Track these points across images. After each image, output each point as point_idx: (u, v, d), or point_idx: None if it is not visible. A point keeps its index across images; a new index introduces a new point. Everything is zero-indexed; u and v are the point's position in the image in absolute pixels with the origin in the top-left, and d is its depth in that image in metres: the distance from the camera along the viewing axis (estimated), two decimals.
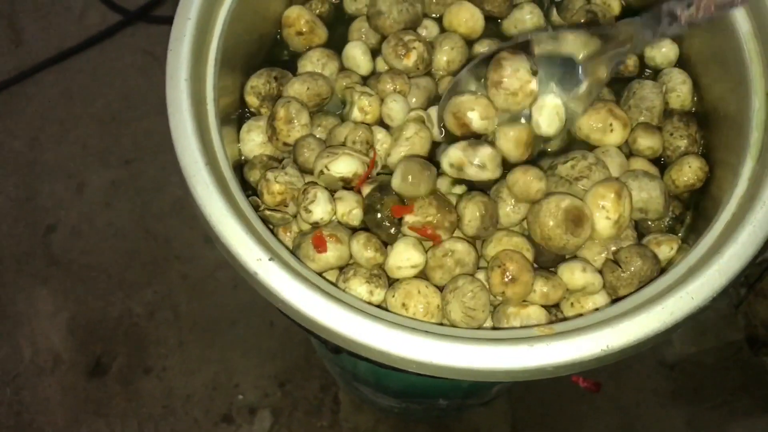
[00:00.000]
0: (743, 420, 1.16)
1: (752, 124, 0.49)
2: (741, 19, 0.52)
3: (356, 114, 0.54)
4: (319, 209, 0.49)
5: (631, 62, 0.58)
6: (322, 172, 0.50)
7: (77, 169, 1.37)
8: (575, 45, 0.51)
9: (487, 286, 0.48)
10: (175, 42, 0.48)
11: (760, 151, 0.48)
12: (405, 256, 0.48)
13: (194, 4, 0.49)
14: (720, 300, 0.43)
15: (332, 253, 0.48)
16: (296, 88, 0.54)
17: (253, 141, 0.54)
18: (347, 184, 0.51)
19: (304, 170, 0.52)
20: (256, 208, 0.50)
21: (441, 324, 0.47)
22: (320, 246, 0.47)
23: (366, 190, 0.51)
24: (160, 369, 1.23)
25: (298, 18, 0.58)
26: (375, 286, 0.47)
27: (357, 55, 0.57)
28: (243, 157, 0.55)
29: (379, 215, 0.48)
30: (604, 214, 0.48)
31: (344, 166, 0.50)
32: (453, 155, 0.51)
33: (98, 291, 1.28)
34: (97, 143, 1.39)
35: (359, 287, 0.47)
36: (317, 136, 0.54)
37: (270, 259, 0.43)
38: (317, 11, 0.60)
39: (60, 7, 1.51)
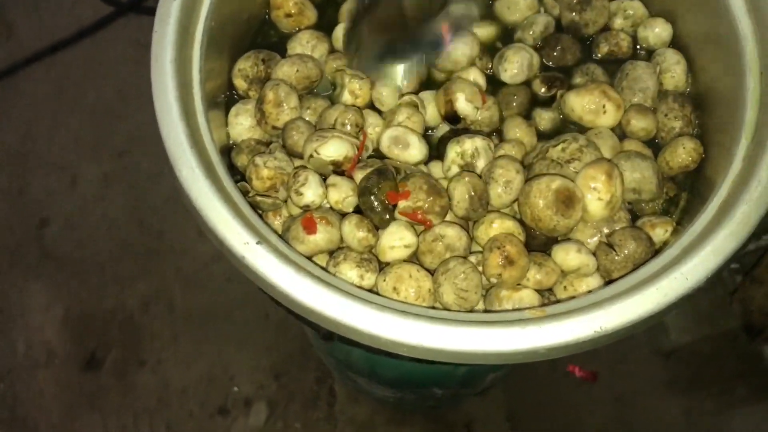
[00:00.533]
0: (740, 408, 1.16)
1: (747, 104, 0.48)
2: None
3: (347, 97, 0.53)
4: (311, 192, 0.48)
5: (625, 43, 0.57)
6: (311, 155, 0.49)
7: (70, 162, 1.36)
8: None
9: (480, 269, 0.48)
10: (160, 24, 0.47)
11: (754, 131, 0.47)
12: (398, 236, 0.47)
13: None
14: (714, 280, 0.42)
15: (322, 236, 0.47)
16: (285, 70, 0.53)
17: (242, 125, 0.53)
18: (337, 168, 0.50)
19: (293, 154, 0.51)
20: (245, 193, 0.49)
21: (433, 308, 0.46)
22: (310, 227, 0.46)
23: (360, 174, 0.50)
24: (154, 362, 1.22)
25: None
26: (365, 270, 0.47)
27: None
28: (231, 141, 0.54)
29: (373, 199, 0.48)
30: (596, 195, 0.47)
31: (334, 149, 0.49)
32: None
33: (92, 284, 1.28)
34: (90, 136, 1.38)
35: (349, 271, 0.46)
36: (306, 119, 0.53)
37: (258, 243, 0.42)
38: None
39: None
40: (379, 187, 0.48)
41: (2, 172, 1.36)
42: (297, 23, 0.58)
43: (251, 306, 1.23)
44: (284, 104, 0.52)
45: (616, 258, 0.48)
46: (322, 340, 0.55)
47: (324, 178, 0.50)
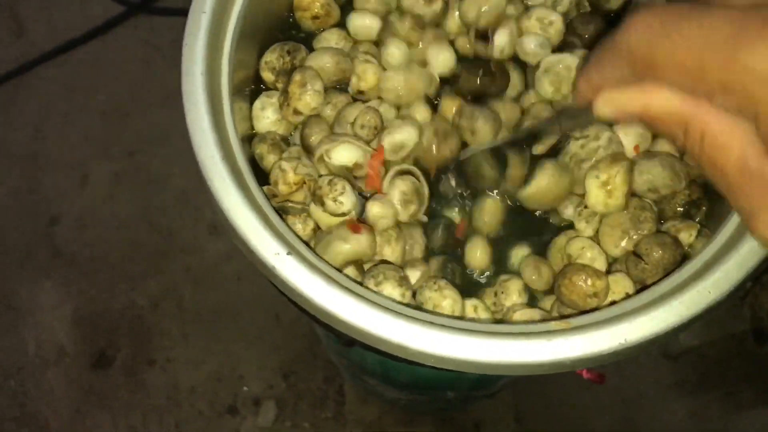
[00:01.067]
0: (747, 411, 1.17)
1: None
2: None
3: (353, 81, 0.54)
4: (349, 201, 0.49)
5: None
6: (322, 158, 0.50)
7: (80, 161, 1.37)
8: None
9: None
10: (190, 37, 0.47)
11: None
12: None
13: None
14: (737, 293, 0.43)
15: (365, 237, 0.48)
16: (323, 59, 0.53)
17: (268, 119, 0.53)
18: (349, 173, 0.51)
19: (306, 147, 0.52)
20: (271, 197, 0.49)
21: (461, 318, 0.47)
22: (355, 228, 0.48)
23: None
24: (164, 361, 1.23)
25: (314, 1, 0.56)
26: (405, 289, 0.48)
27: (371, 24, 0.56)
28: (255, 132, 0.55)
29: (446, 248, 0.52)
30: (597, 181, 0.49)
31: (344, 154, 0.50)
32: None
33: (102, 283, 1.28)
34: (100, 135, 1.38)
35: (393, 290, 0.47)
36: (327, 111, 0.53)
37: (288, 254, 0.43)
38: None
39: None
40: (446, 241, 0.51)
41: (13, 170, 1.37)
42: (323, 24, 0.57)
43: (260, 305, 1.24)
44: (308, 85, 0.51)
45: (646, 266, 0.48)
46: (343, 345, 0.56)
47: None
